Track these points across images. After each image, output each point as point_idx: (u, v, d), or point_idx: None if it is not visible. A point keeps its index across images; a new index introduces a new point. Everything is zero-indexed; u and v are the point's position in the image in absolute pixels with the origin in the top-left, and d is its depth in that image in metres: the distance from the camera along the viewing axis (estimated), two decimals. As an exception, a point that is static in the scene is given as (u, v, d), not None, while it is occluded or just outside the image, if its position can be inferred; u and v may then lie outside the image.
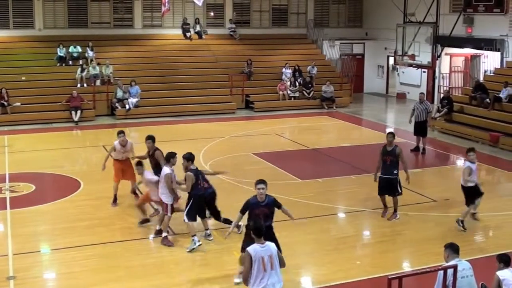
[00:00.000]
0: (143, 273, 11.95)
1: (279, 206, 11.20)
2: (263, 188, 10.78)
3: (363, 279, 11.76)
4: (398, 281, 8.06)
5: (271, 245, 8.79)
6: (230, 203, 14.36)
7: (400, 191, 15.06)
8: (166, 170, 13.26)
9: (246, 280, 8.72)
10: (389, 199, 15.24)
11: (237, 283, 11.16)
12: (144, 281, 11.60)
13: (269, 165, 20.38)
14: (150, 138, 15.25)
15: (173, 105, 31.56)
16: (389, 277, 8.15)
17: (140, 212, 14.63)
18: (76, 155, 22.95)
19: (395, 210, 15.21)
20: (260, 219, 10.27)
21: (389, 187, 15.06)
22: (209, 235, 13.71)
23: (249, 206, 10.92)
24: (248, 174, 18.83)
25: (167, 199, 13.35)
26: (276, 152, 22.52)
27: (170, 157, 13.48)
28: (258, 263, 8.58)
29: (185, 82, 33.57)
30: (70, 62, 33.31)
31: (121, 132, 16.26)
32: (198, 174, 13.42)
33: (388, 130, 23.40)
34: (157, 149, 15.01)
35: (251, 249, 8.67)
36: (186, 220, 13.13)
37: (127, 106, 30.44)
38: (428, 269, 10.21)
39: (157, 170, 14.53)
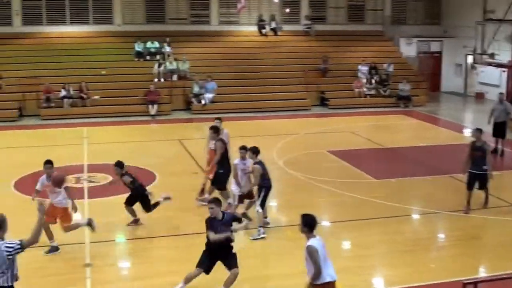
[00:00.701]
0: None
1: (239, 220, 11.18)
2: (212, 208, 10.63)
3: (437, 283, 11.43)
4: (473, 286, 7.83)
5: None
6: (310, 200, 14.40)
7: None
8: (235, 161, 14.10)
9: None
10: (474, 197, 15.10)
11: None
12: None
13: (344, 163, 20.23)
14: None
15: (248, 101, 31.72)
16: (464, 282, 7.93)
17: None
18: (152, 148, 23.33)
19: (487, 198, 15.43)
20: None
21: (479, 181, 15.13)
22: (268, 222, 14.01)
23: (211, 224, 10.68)
24: (322, 172, 18.78)
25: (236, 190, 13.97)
26: (350, 150, 22.34)
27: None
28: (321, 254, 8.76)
29: (260, 78, 33.68)
30: (148, 57, 33.89)
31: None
32: (264, 166, 13.76)
33: (466, 130, 22.86)
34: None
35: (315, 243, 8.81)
36: (260, 210, 13.45)
37: (203, 101, 30.79)
38: (505, 276, 9.87)
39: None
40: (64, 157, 21.06)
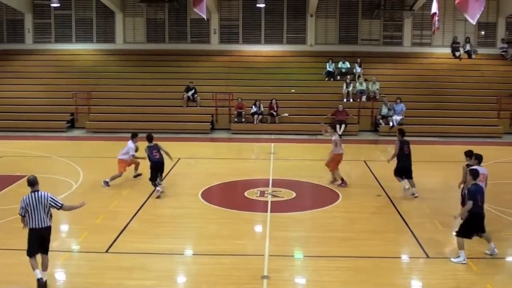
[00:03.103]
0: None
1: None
2: None
3: None
4: None
5: None
6: (491, 231, 13.77)
7: None
8: None
9: None
10: None
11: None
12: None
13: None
14: None
15: (437, 125, 31.02)
16: None
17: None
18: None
19: None
20: None
21: None
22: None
23: None
24: (510, 204, 17.78)
25: None
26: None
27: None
28: None
29: (452, 102, 32.80)
30: (338, 77, 34.17)
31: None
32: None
33: None
34: None
35: None
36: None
37: (390, 123, 30.50)
38: None
39: None
40: (251, 170, 21.85)
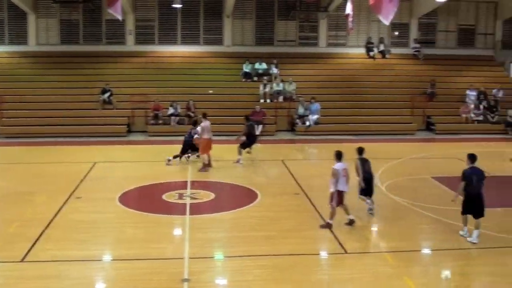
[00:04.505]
0: (310, 289, 11.96)
1: None
2: None
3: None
4: None
5: None
6: (412, 226, 14.18)
7: None
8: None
9: None
10: None
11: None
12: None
13: (448, 190, 19.65)
14: None
15: (352, 123, 31.57)
16: None
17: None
18: (255, 168, 23.59)
19: None
20: None
21: None
22: None
23: None
24: (426, 198, 18.34)
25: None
26: (456, 177, 21.55)
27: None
28: None
29: (366, 101, 33.46)
30: (255, 78, 34.33)
31: None
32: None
33: None
34: None
35: None
36: None
37: (307, 123, 30.85)
38: None
39: None
40: (168, 173, 21.65)
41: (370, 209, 16.34)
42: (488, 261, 13.47)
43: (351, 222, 15.29)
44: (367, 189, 16.24)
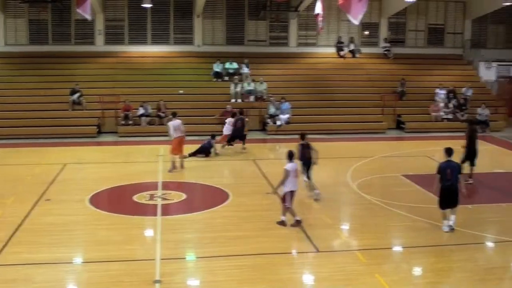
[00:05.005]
0: (284, 287, 11.96)
1: None
2: None
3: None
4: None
5: None
6: (383, 224, 14.21)
7: None
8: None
9: None
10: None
11: None
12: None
13: (418, 188, 19.83)
14: None
15: (324, 122, 31.66)
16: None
17: None
18: (226, 167, 23.56)
19: None
20: None
21: None
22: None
23: None
24: (396, 196, 18.46)
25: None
26: (426, 175, 21.82)
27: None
28: None
29: (337, 100, 33.61)
30: (226, 78, 34.27)
31: None
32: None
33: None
34: None
35: None
36: None
37: (278, 122, 30.89)
38: None
39: None
40: (139, 174, 21.52)
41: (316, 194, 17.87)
42: (459, 257, 13.63)
43: (298, 223, 15.34)
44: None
